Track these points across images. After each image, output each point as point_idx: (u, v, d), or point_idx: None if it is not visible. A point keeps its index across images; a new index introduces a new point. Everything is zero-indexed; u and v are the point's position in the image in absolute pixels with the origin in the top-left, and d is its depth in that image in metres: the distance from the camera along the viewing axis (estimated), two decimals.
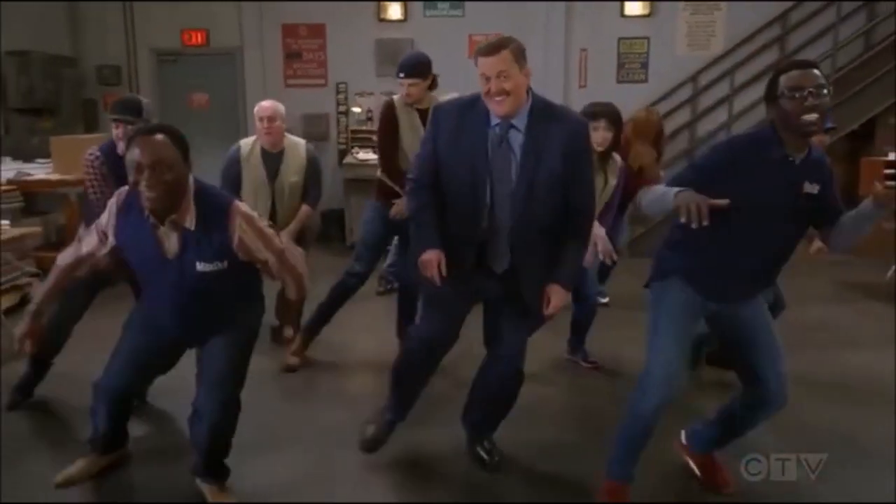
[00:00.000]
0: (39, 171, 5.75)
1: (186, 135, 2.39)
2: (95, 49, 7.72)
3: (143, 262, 2.34)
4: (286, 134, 4.02)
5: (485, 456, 2.82)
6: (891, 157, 5.80)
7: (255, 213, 2.37)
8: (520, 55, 2.33)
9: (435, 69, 3.79)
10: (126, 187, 2.33)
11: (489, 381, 2.73)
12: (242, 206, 2.36)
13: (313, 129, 7.52)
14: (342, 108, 7.75)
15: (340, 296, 3.86)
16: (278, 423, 3.22)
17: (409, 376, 2.74)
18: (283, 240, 2.86)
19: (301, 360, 3.83)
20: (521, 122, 2.39)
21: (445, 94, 3.26)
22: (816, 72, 2.19)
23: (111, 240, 2.33)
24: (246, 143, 4.04)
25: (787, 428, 2.91)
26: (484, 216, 2.43)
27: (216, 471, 2.54)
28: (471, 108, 2.44)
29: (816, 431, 3.05)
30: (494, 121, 2.40)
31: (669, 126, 6.63)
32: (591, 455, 2.77)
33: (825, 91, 2.16)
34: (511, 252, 2.47)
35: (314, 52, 7.77)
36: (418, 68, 3.54)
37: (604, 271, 4.63)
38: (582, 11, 7.45)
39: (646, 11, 7.42)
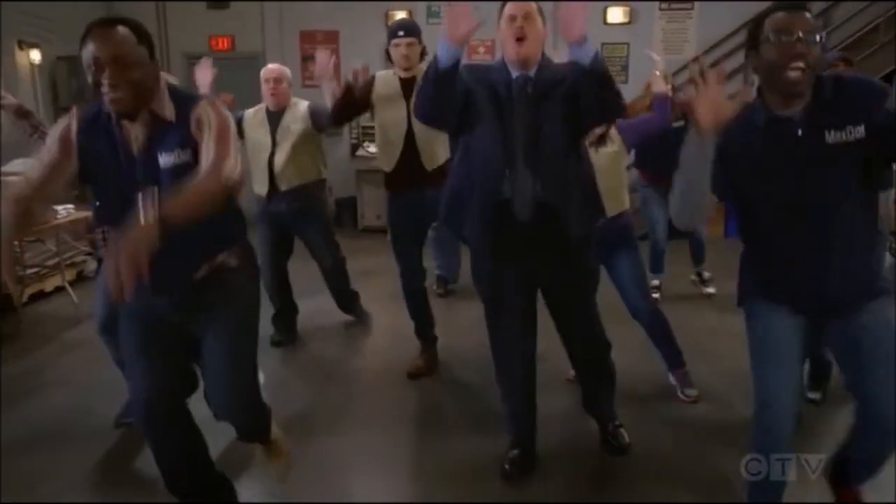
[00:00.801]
0: None
1: None
2: None
3: (106, 168, 1.88)
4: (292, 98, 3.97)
5: (611, 440, 2.77)
6: None
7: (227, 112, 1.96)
8: (541, 12, 2.40)
9: None
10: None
11: (582, 365, 2.80)
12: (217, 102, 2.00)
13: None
14: None
15: (412, 298, 3.68)
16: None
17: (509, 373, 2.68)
18: None
19: (425, 363, 3.70)
20: (532, 73, 2.39)
21: None
22: (808, 15, 1.77)
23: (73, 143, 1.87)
24: (250, 110, 4.02)
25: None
26: (508, 158, 2.37)
27: (261, 437, 2.37)
28: (490, 68, 2.49)
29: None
30: (514, 74, 2.39)
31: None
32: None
33: (817, 38, 1.74)
34: (541, 187, 2.38)
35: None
36: (415, 29, 3.43)
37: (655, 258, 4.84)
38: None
39: (626, 19, 7.93)
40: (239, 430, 2.24)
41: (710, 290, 5.12)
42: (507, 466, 2.65)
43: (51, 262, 5.43)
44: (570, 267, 2.51)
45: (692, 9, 7.82)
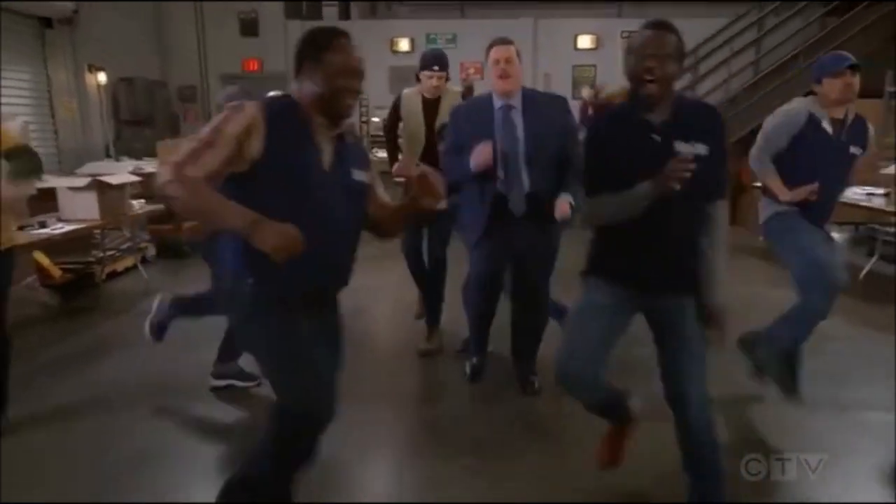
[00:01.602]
0: (148, 166, 6.82)
1: None
2: (177, 74, 9.23)
3: (300, 172, 1.76)
4: None
5: (527, 385, 3.18)
6: None
7: None
8: (519, 54, 2.90)
9: None
10: (272, 94, 2.07)
11: (525, 317, 3.20)
12: None
13: None
14: (364, 119, 9.10)
15: (423, 280, 3.87)
16: None
17: (478, 313, 3.20)
18: None
19: (432, 344, 3.80)
20: (517, 102, 2.90)
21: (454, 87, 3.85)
22: (668, 37, 1.86)
23: (257, 147, 1.70)
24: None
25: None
26: (499, 167, 2.84)
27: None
28: (478, 103, 3.03)
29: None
30: (498, 104, 2.90)
31: None
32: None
33: (671, 59, 1.84)
34: (530, 185, 2.87)
35: None
36: (446, 63, 3.61)
37: None
38: (545, 46, 9.00)
39: (593, 45, 9.10)
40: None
41: None
42: (468, 371, 3.34)
43: (123, 246, 6.07)
44: (545, 243, 3.06)
45: None
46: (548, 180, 2.90)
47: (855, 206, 5.46)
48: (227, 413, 3.11)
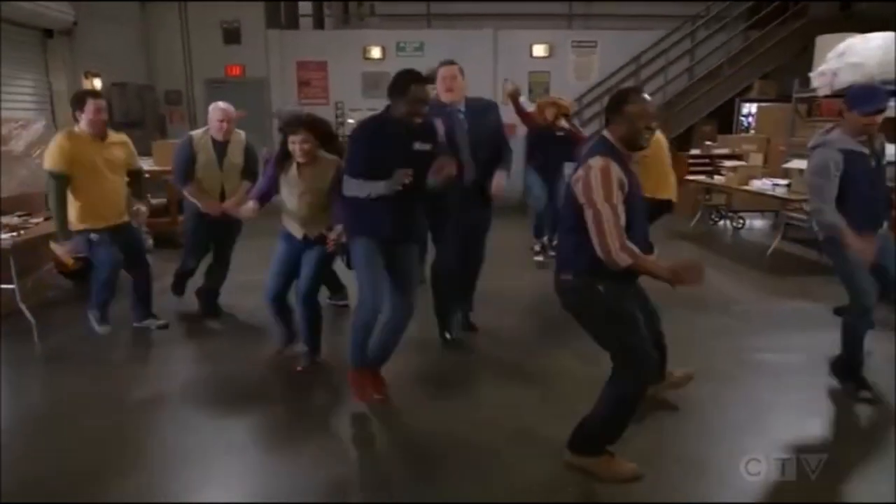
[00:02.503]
0: (144, 165, 7.51)
1: None
2: (164, 78, 9.53)
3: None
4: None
5: (466, 327, 3.96)
6: (693, 151, 8.24)
7: None
8: (462, 71, 3.62)
9: None
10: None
11: (470, 274, 3.91)
12: None
13: None
14: (340, 120, 9.55)
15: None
16: None
17: (446, 287, 3.75)
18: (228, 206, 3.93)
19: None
20: (461, 108, 3.58)
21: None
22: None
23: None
24: (197, 133, 4.26)
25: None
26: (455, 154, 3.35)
27: None
28: (437, 105, 3.48)
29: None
30: (448, 109, 3.51)
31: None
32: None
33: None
34: (475, 174, 3.50)
35: (319, 81, 9.62)
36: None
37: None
38: (504, 54, 9.56)
39: (547, 53, 9.69)
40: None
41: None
42: (447, 335, 3.86)
43: None
44: (486, 216, 3.82)
45: (595, 46, 9.67)
46: (485, 169, 3.55)
47: (766, 196, 6.26)
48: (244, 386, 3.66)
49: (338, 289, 4.53)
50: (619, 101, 2.33)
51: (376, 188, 2.88)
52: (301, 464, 2.67)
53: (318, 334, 3.56)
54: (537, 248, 5.98)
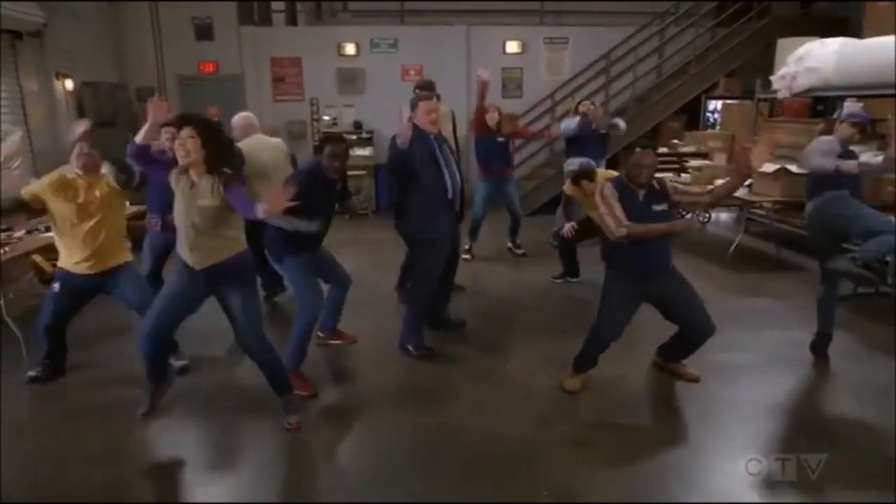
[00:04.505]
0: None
1: None
2: (136, 75, 9.43)
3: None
4: None
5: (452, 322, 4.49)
6: (661, 150, 8.51)
7: None
8: (438, 97, 4.44)
9: (376, 88, 5.91)
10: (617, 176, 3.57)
11: (449, 270, 4.33)
12: None
13: (294, 131, 9.50)
14: (315, 117, 9.65)
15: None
16: None
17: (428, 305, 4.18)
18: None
19: None
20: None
21: None
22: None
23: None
24: None
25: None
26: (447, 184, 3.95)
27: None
28: (422, 136, 3.90)
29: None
30: (432, 136, 3.94)
31: (535, 125, 8.89)
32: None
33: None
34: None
35: (294, 77, 9.59)
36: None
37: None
38: (477, 50, 9.64)
39: (519, 50, 9.81)
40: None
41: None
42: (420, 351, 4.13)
43: None
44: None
45: (567, 43, 9.86)
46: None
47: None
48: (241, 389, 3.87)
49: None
50: None
51: (307, 226, 3.46)
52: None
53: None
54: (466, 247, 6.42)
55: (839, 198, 3.94)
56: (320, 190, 3.53)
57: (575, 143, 6.27)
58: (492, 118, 6.17)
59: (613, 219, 3.29)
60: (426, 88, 5.08)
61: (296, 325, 3.61)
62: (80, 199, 3.48)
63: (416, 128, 3.87)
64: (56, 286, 3.59)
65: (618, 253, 3.39)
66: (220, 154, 2.91)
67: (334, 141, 3.60)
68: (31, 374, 3.78)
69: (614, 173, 3.78)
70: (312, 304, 3.62)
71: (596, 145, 6.22)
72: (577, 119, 6.16)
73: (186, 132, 2.79)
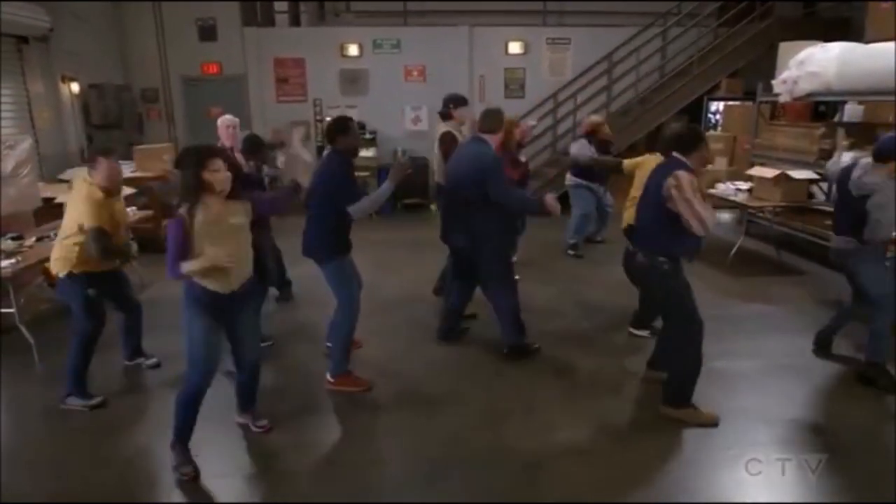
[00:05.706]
0: (126, 170, 7.51)
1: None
2: (140, 77, 9.52)
3: None
4: None
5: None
6: None
7: None
8: None
9: (379, 89, 5.77)
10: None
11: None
12: None
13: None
14: (318, 117, 9.71)
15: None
16: None
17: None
18: None
19: None
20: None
21: None
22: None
23: None
24: None
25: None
26: None
27: None
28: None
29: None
30: None
31: (538, 127, 8.65)
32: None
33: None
34: None
35: (297, 78, 9.65)
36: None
37: None
38: (480, 50, 9.69)
39: (522, 51, 9.84)
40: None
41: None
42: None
43: None
44: None
45: (569, 43, 9.89)
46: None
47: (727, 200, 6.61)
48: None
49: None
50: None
51: (386, 189, 3.62)
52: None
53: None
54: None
55: None
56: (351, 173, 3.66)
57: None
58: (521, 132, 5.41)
59: (705, 212, 3.08)
60: (461, 104, 5.11)
61: (336, 332, 3.76)
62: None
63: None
64: None
65: (686, 243, 3.24)
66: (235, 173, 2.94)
67: (341, 121, 3.66)
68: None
69: (660, 158, 3.49)
70: (353, 309, 3.72)
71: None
72: (590, 147, 6.22)
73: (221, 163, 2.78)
